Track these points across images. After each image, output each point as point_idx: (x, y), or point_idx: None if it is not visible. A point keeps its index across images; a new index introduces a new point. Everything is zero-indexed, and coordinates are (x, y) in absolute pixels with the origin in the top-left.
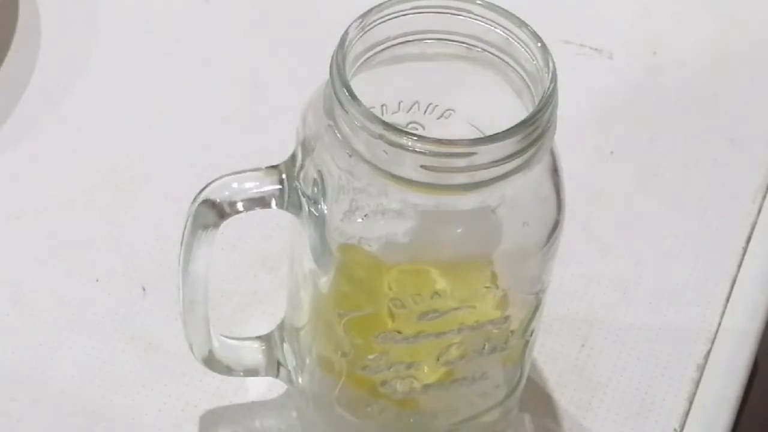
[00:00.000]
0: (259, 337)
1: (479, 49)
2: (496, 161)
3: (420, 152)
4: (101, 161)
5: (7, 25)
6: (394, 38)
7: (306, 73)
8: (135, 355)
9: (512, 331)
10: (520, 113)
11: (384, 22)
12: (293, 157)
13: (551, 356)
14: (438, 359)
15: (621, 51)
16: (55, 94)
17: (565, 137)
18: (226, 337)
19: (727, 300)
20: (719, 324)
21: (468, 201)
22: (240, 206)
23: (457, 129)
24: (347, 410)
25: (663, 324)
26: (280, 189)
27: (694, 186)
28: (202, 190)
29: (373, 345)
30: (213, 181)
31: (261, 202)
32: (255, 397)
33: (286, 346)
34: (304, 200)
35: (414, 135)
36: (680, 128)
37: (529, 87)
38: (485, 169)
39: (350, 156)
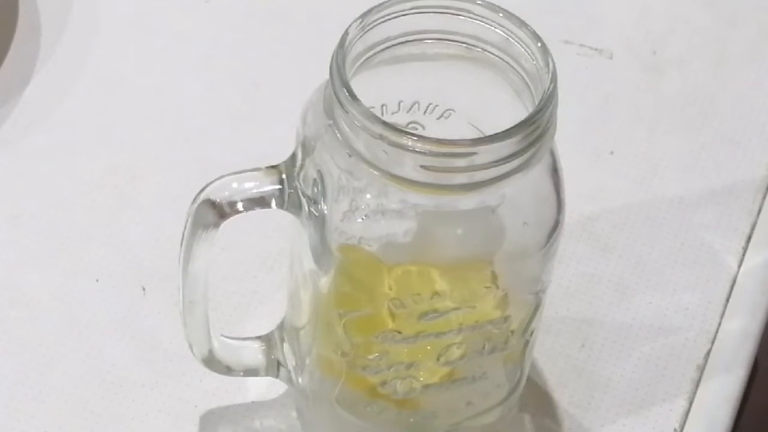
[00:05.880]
0: (259, 337)
1: (479, 49)
2: (496, 161)
3: (420, 152)
4: (101, 161)
5: (7, 25)
6: (394, 38)
7: (306, 73)
8: (135, 355)
9: (512, 331)
10: (520, 113)
11: (384, 22)
12: (293, 157)
13: (551, 356)
14: (438, 359)
15: (621, 51)
16: (55, 94)
17: (565, 137)
18: (226, 337)
19: (727, 300)
20: (719, 324)
21: (468, 201)
22: (240, 206)
23: (457, 129)
24: (347, 410)
25: (663, 324)
26: (280, 189)
27: (694, 186)
28: (202, 190)
29: (373, 345)
30: (213, 181)
31: (261, 202)
32: (255, 397)
33: (286, 346)
34: (304, 200)
35: (414, 135)
36: (680, 128)
37: (529, 87)
38: (485, 169)
39: (350, 156)
